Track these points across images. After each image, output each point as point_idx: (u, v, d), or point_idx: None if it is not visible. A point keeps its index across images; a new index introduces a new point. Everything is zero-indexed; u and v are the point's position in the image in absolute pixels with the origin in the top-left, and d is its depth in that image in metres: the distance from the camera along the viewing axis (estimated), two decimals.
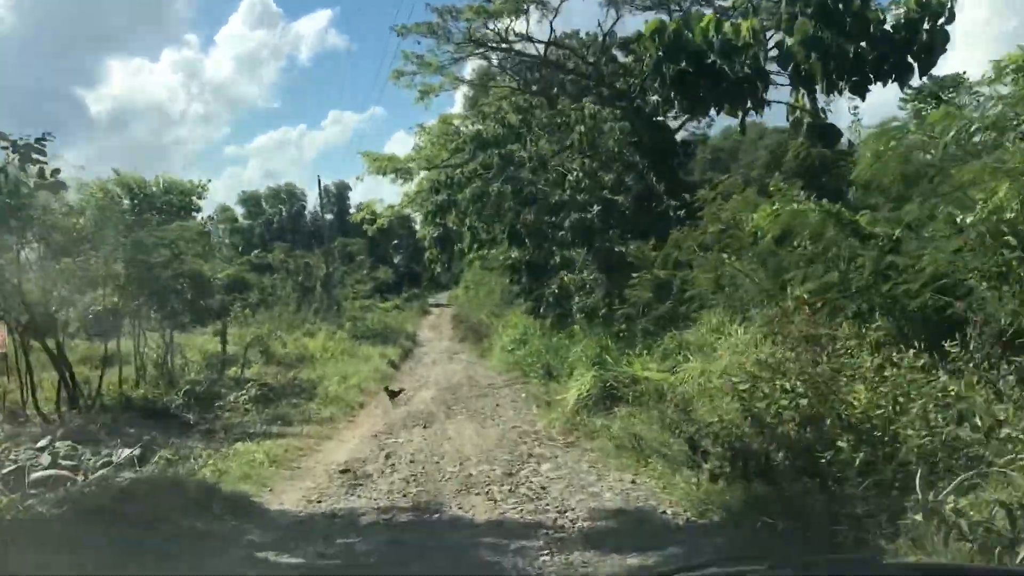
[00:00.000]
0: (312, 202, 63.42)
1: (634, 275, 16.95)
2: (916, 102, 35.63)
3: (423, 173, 27.13)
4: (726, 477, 7.44)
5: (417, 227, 65.90)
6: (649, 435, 10.67)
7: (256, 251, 55.37)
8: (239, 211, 63.45)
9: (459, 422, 15.91)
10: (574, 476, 10.25)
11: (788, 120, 13.13)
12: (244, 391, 17.22)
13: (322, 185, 55.49)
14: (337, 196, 63.34)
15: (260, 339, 25.06)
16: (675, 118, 28.25)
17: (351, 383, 20.81)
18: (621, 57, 27.40)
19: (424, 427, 15.39)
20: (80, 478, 11.18)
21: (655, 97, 25.49)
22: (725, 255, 12.61)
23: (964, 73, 27.51)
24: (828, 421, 6.87)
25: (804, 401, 7.26)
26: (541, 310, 25.34)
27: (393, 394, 18.79)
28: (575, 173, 18.94)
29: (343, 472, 11.27)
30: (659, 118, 25.78)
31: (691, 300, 16.65)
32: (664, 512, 8.37)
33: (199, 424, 15.43)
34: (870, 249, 9.65)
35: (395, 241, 63.31)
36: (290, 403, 17.34)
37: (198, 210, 21.20)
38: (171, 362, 20.95)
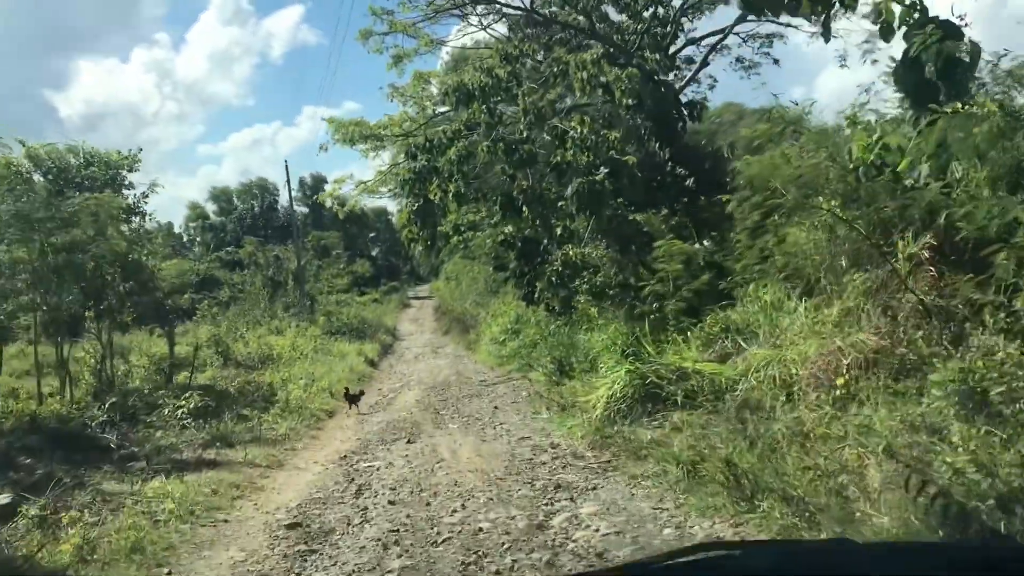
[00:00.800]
0: (285, 195, 58.93)
1: (657, 244, 13.17)
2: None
3: (390, 154, 23.11)
4: None
5: (393, 218, 62.03)
6: (745, 460, 6.85)
7: (228, 247, 51.04)
8: (210, 208, 59.11)
9: (452, 433, 12.09)
10: (639, 528, 6.45)
11: (876, 23, 9.31)
12: (183, 402, 13.22)
13: (294, 175, 51.34)
14: (312, 189, 58.83)
15: (218, 339, 21.02)
16: (675, 79, 24.55)
17: (320, 386, 16.90)
18: (614, 15, 23.60)
19: (408, 442, 11.56)
20: None
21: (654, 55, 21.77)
22: (821, 199, 8.85)
23: None
24: None
25: None
26: (536, 295, 21.60)
27: (353, 398, 14.95)
28: (577, 129, 15.10)
29: (290, 527, 7.37)
30: (660, 77, 22.03)
31: (732, 272, 12.96)
32: None
33: (121, 447, 11.47)
34: None
35: (372, 234, 59.13)
36: (239, 415, 13.39)
37: (129, 186, 17.25)
38: (109, 369, 16.85)
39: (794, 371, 9.31)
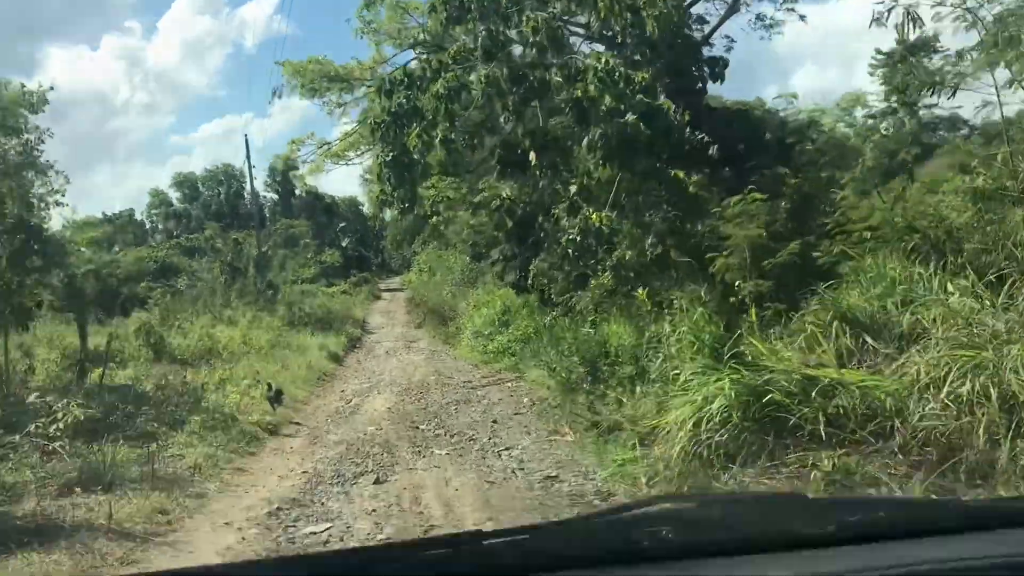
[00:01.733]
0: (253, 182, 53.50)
1: (730, 201, 9.12)
2: (886, 68, 28.21)
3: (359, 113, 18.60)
4: None
5: (365, 208, 57.28)
6: None
7: (192, 234, 46.13)
8: (175, 195, 53.80)
9: (440, 464, 7.98)
10: None
11: None
12: (57, 417, 8.85)
13: (265, 164, 46.50)
14: (283, 176, 53.83)
15: (148, 329, 16.57)
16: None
17: (265, 390, 12.54)
18: None
19: (377, 481, 7.40)
20: None
21: None
22: None
23: (936, 37, 21.50)
24: None
25: None
26: (530, 281, 17.55)
27: (273, 399, 10.98)
28: (602, 60, 10.96)
29: None
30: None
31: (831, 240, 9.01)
32: None
33: None
34: None
35: (343, 224, 54.33)
36: (143, 433, 9.05)
37: (24, 129, 12.82)
38: (4, 365, 12.53)
39: (1016, 389, 5.38)
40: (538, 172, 11.35)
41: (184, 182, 53.59)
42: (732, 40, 21.82)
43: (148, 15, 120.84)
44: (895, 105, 32.10)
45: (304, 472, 7.97)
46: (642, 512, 1.89)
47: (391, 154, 11.11)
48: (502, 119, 11.30)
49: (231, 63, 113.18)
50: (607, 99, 10.97)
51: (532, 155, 10.91)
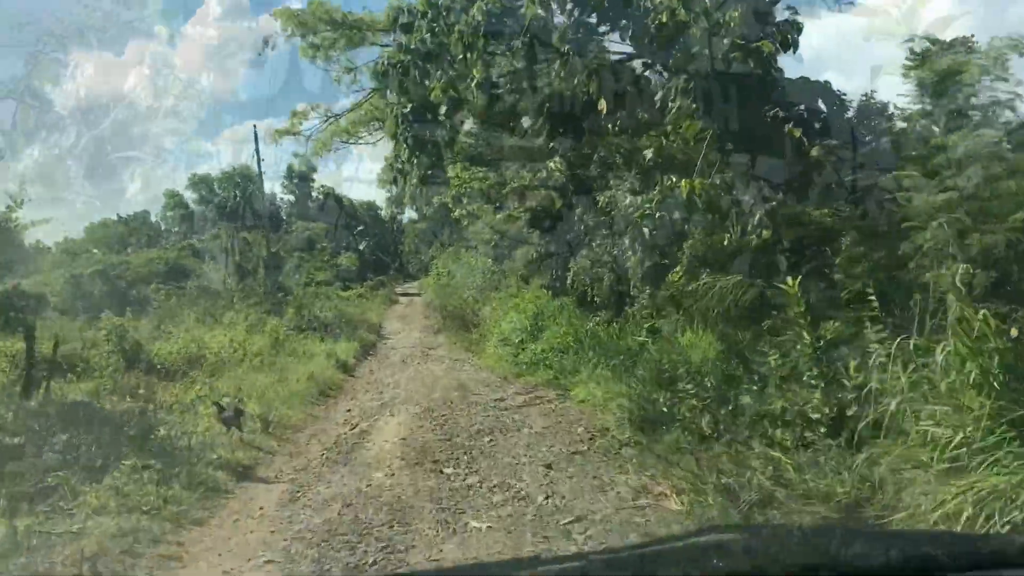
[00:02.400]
0: (267, 185, 50.47)
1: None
2: (920, 69, 24.72)
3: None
4: None
5: (382, 211, 54.33)
6: None
7: (205, 235, 43.35)
8: (191, 196, 50.98)
9: (480, 556, 4.80)
10: None
11: None
12: None
13: (270, 153, 43.71)
14: (300, 178, 50.88)
15: (121, 333, 13.52)
16: None
17: (250, 410, 9.40)
18: None
19: None
20: None
21: None
22: None
23: (972, 37, 18.71)
24: None
25: None
26: (570, 282, 14.54)
27: (231, 419, 7.89)
28: None
29: None
30: None
31: None
32: None
33: None
34: None
35: (360, 227, 51.27)
36: (38, 489, 5.95)
37: None
38: None
39: None
40: (609, 126, 8.13)
41: (200, 183, 50.75)
42: (795, 11, 18.54)
43: (173, 22, 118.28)
44: (928, 107, 29.10)
45: (268, 562, 4.85)
46: (690, 543, 1.82)
47: (409, 105, 7.99)
48: (556, 62, 8.09)
49: (253, 69, 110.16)
50: (695, 32, 7.84)
51: (602, 102, 7.73)
